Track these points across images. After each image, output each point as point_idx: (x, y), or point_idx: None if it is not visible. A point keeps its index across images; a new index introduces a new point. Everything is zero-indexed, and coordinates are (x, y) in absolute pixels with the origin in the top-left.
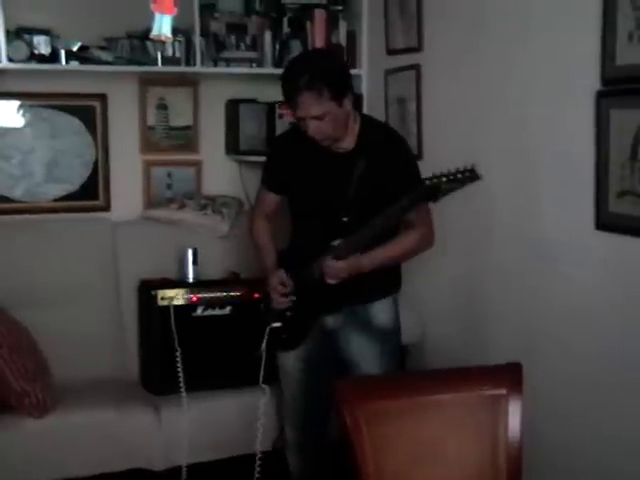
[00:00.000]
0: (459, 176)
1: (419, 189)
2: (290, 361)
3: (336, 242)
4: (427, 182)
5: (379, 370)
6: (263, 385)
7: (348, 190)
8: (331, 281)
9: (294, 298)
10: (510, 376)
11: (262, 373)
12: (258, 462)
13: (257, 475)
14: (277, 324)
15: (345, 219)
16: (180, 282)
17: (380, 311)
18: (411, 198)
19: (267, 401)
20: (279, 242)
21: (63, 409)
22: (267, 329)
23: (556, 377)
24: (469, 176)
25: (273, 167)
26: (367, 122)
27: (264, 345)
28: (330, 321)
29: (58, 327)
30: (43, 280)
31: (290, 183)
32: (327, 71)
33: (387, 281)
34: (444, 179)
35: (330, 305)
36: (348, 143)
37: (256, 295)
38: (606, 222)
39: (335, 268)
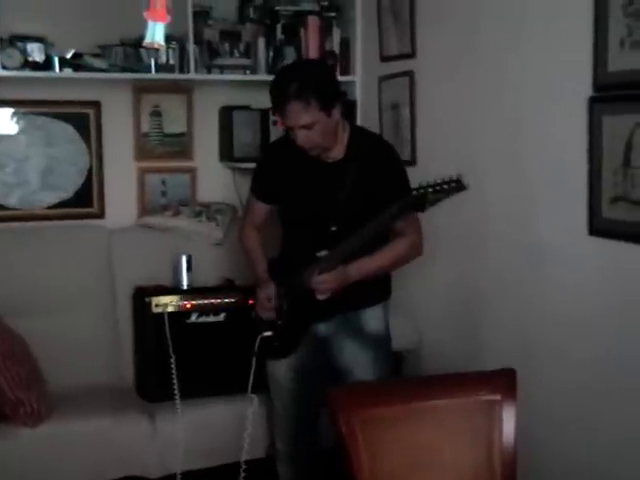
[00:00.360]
0: (445, 187)
1: (406, 199)
2: (282, 371)
3: (322, 253)
4: (414, 192)
5: (373, 377)
6: (251, 395)
7: (338, 198)
8: (321, 297)
9: (281, 306)
10: (504, 382)
11: (251, 382)
12: (243, 474)
13: None
14: (268, 333)
15: (334, 228)
16: (174, 289)
17: (371, 318)
18: (399, 206)
19: (257, 410)
20: (269, 251)
21: (58, 417)
22: (258, 338)
23: (551, 383)
24: (455, 187)
25: (262, 176)
26: (356, 131)
27: (254, 359)
28: (322, 329)
29: (53, 334)
30: (38, 287)
31: (280, 192)
32: (316, 81)
33: (377, 288)
34: (430, 189)
35: (321, 314)
36: (337, 152)
37: (250, 301)
38: (599, 228)
39: (322, 283)
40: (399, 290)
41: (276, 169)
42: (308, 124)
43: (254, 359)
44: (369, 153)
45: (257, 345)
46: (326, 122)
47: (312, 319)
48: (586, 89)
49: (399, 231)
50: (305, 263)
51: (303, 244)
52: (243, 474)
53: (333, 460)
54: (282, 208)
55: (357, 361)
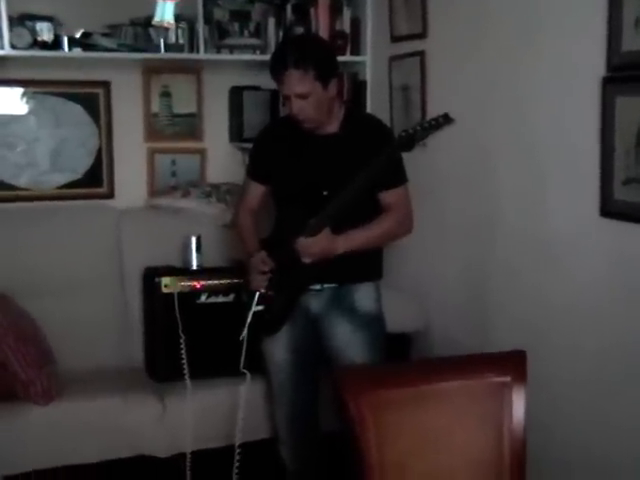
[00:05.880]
0: (433, 122)
1: (393, 142)
2: (278, 352)
3: (313, 220)
4: (402, 134)
5: (364, 357)
6: (244, 370)
7: (330, 166)
8: (306, 260)
9: (271, 276)
10: (514, 363)
11: (243, 357)
12: (237, 457)
13: (237, 465)
14: (259, 307)
15: (325, 193)
16: (184, 269)
17: (363, 296)
18: (387, 152)
19: (258, 389)
20: (263, 234)
21: (68, 397)
22: (249, 314)
23: (561, 369)
24: (443, 122)
25: (257, 156)
26: (352, 110)
27: (245, 331)
28: (314, 305)
29: (63, 315)
30: (48, 268)
31: (275, 170)
32: (315, 52)
33: (367, 265)
34: (419, 128)
35: (309, 281)
36: (332, 128)
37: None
38: (611, 210)
39: (306, 245)
40: (408, 272)
41: (270, 148)
42: (304, 93)
43: (245, 335)
44: (364, 128)
45: (248, 320)
46: (322, 94)
47: (300, 286)
48: (599, 69)
49: (387, 207)
50: (296, 231)
51: (296, 216)
52: (237, 457)
53: (334, 443)
54: (277, 185)
55: (349, 341)
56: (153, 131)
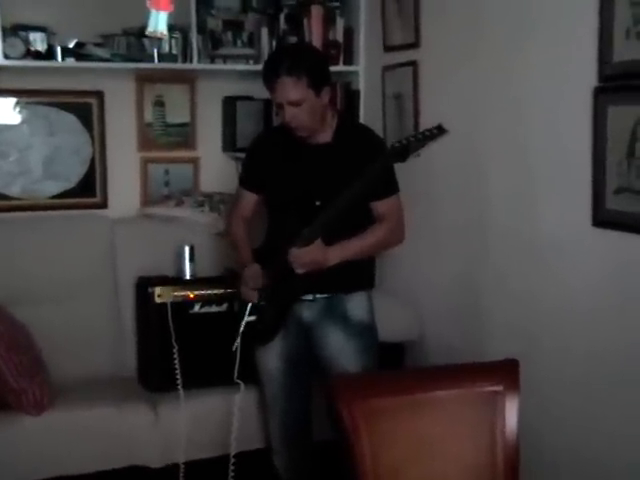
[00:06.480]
0: (427, 133)
1: (387, 152)
2: (270, 361)
3: (306, 230)
4: (396, 144)
5: (357, 366)
6: (238, 381)
7: (323, 176)
8: (299, 270)
9: (264, 287)
10: (507, 372)
11: (237, 368)
12: (232, 467)
13: (232, 475)
14: (251, 318)
15: (318, 203)
16: (177, 279)
17: (355, 306)
18: (380, 162)
19: (252, 398)
20: (256, 243)
21: (61, 406)
22: (241, 324)
23: (554, 375)
24: (437, 133)
25: (250, 165)
26: (346, 119)
27: (238, 341)
28: (306, 314)
29: (56, 324)
30: (41, 277)
31: (268, 179)
32: (308, 59)
33: (359, 274)
34: (412, 139)
35: (301, 291)
36: (325, 137)
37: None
38: (603, 219)
39: (298, 255)
40: (401, 281)
41: (263, 157)
42: (297, 100)
43: (238, 345)
44: (357, 140)
45: (241, 330)
46: (314, 102)
47: (293, 296)
48: (591, 79)
49: (380, 216)
50: (289, 241)
51: (289, 226)
52: (232, 467)
53: (328, 452)
54: (270, 194)
55: (342, 350)
56: (146, 140)
